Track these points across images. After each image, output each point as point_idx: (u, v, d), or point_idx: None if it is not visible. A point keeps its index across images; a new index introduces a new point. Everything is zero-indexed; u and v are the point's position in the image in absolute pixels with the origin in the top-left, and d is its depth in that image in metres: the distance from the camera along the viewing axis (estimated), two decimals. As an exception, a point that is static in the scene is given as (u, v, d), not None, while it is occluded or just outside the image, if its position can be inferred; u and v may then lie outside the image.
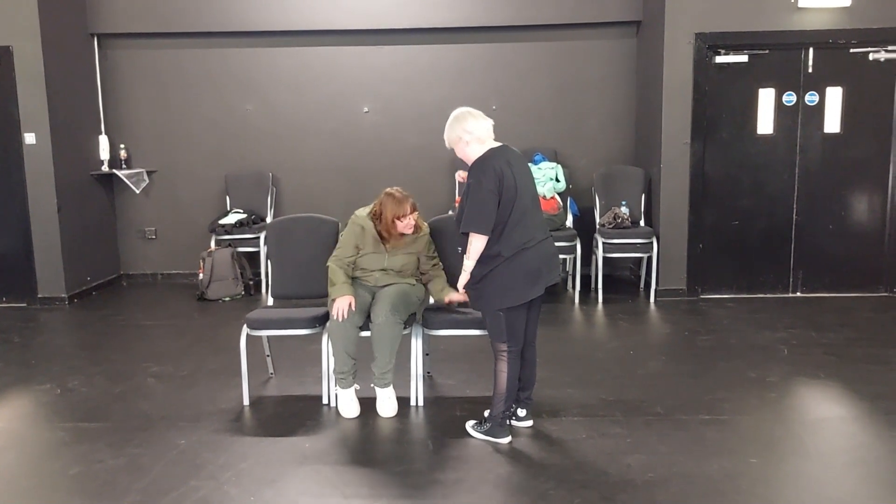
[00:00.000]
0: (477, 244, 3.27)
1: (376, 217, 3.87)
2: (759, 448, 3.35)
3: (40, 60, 5.96)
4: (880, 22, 5.74)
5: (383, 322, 3.69)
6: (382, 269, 3.90)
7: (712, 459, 3.24)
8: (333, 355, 3.80)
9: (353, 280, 3.91)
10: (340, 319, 3.71)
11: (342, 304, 3.72)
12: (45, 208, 6.13)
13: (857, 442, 3.43)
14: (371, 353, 3.77)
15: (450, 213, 4.52)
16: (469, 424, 3.56)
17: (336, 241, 4.03)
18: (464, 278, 3.41)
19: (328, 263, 3.90)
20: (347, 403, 3.81)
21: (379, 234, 3.87)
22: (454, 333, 3.84)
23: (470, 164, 3.34)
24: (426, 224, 4.02)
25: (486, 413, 3.54)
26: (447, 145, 3.46)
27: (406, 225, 3.83)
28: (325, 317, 3.86)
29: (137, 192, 6.90)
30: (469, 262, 3.33)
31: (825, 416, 3.77)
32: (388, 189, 3.88)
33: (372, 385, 3.84)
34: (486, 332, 3.48)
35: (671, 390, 4.07)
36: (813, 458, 3.28)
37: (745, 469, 3.15)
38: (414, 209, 3.84)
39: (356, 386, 3.85)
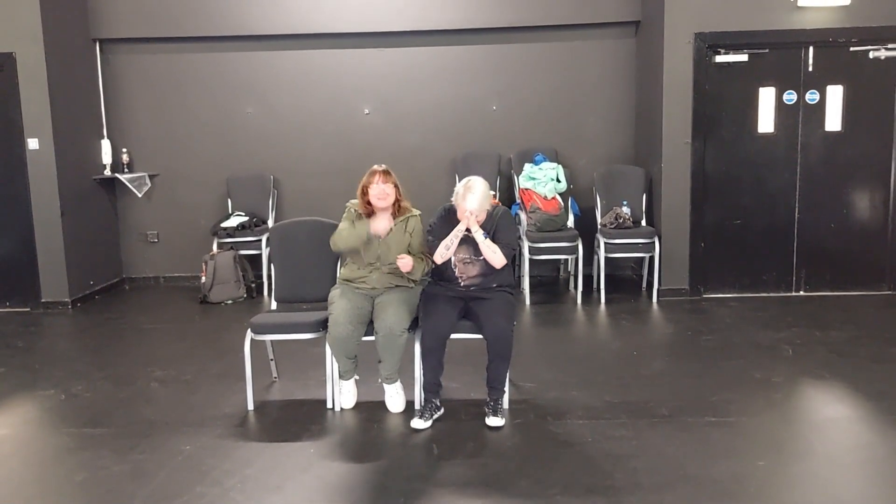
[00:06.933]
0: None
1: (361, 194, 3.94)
2: (767, 449, 3.35)
3: (43, 66, 5.95)
4: (880, 20, 5.73)
5: (388, 333, 3.69)
6: (376, 264, 3.86)
7: (720, 461, 3.23)
8: (335, 359, 3.84)
9: (349, 285, 3.91)
10: (384, 230, 3.79)
11: (381, 225, 3.79)
12: (48, 213, 6.12)
13: (864, 442, 3.42)
14: (375, 352, 3.79)
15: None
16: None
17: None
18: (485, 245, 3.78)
19: (332, 240, 3.93)
20: (346, 393, 3.94)
21: (365, 210, 3.90)
22: (457, 337, 3.82)
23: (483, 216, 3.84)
24: (416, 210, 4.02)
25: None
26: (476, 209, 3.77)
27: (376, 194, 3.85)
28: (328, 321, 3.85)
29: (140, 195, 6.89)
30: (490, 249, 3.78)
31: (831, 416, 3.76)
32: None
33: (379, 381, 3.90)
34: (498, 335, 3.65)
35: (676, 391, 4.06)
36: (821, 459, 3.28)
37: (753, 471, 3.14)
38: (387, 180, 3.87)
39: (356, 376, 3.96)
